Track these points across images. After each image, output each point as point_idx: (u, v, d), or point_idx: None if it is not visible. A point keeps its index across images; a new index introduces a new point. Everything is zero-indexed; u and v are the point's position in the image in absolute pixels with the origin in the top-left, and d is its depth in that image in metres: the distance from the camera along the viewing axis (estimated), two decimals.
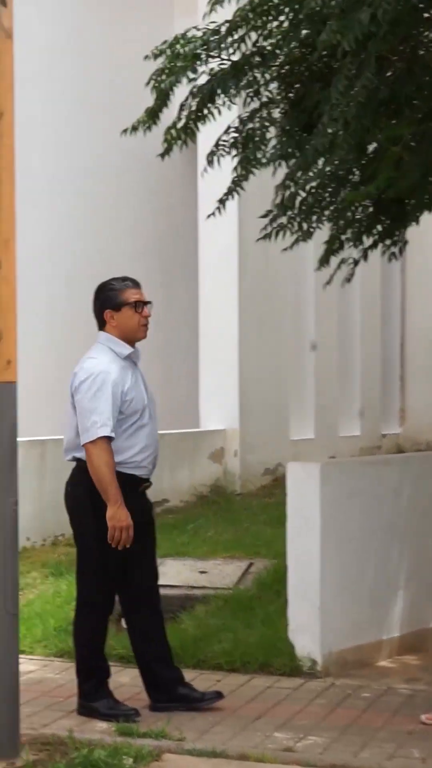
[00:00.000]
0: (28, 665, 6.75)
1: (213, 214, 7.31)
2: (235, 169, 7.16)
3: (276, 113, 6.93)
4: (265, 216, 7.47)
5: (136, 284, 5.86)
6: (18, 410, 5.02)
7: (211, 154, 7.03)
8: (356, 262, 8.18)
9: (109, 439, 5.62)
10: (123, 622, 7.10)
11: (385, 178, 6.07)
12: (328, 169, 6.93)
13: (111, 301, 5.80)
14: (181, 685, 5.95)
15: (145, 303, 5.84)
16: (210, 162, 7.02)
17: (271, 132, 7.02)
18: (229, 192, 7.19)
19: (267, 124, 6.82)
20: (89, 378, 5.68)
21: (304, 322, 13.36)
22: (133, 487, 5.78)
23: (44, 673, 6.75)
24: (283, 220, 7.48)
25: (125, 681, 6.39)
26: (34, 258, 10.88)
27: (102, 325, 5.88)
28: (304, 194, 7.45)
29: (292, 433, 12.80)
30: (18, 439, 5.09)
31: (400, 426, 15.46)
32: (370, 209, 7.39)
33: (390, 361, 15.41)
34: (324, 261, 7.80)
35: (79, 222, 12.04)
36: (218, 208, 7.30)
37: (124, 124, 7.24)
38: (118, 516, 5.61)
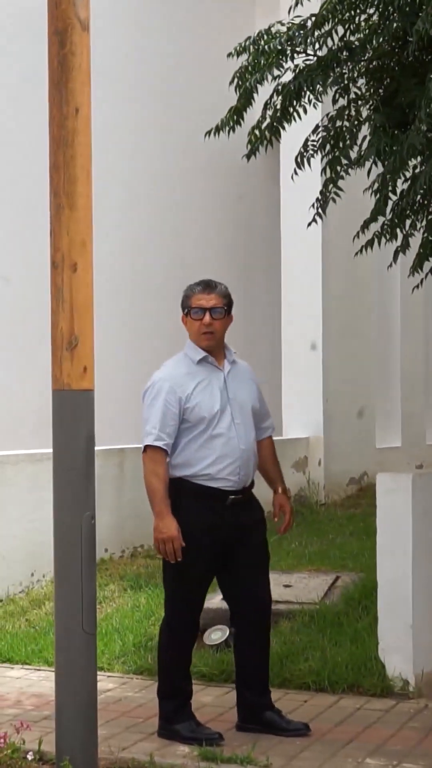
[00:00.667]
0: (106, 683, 6.62)
1: (314, 220, 7.08)
2: (324, 171, 6.91)
3: (365, 111, 6.68)
4: (364, 227, 7.24)
5: (206, 288, 5.62)
6: (95, 418, 4.85)
7: (300, 155, 6.80)
8: None
9: (159, 450, 5.48)
10: (204, 637, 7.07)
11: None
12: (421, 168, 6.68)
13: (182, 305, 5.70)
14: (269, 709, 5.73)
15: (206, 309, 5.61)
16: (299, 164, 6.78)
17: (362, 131, 6.76)
18: (325, 196, 6.94)
19: (357, 121, 6.56)
20: (150, 387, 5.61)
21: (390, 328, 13.23)
22: (216, 500, 5.56)
23: (123, 691, 6.58)
24: (377, 228, 7.28)
25: (207, 701, 6.21)
26: (111, 262, 10.76)
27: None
28: (395, 198, 7.23)
29: (378, 441, 12.69)
30: (96, 447, 4.90)
31: None
32: None
33: None
34: (417, 266, 7.54)
35: (156, 226, 11.95)
36: (318, 214, 7.07)
37: (206, 125, 7.06)
38: (160, 527, 5.45)
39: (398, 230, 7.34)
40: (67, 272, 4.65)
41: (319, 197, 6.99)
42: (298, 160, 6.79)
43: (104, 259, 11.94)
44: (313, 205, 7.04)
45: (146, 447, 5.54)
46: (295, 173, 6.90)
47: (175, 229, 12.17)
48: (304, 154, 6.81)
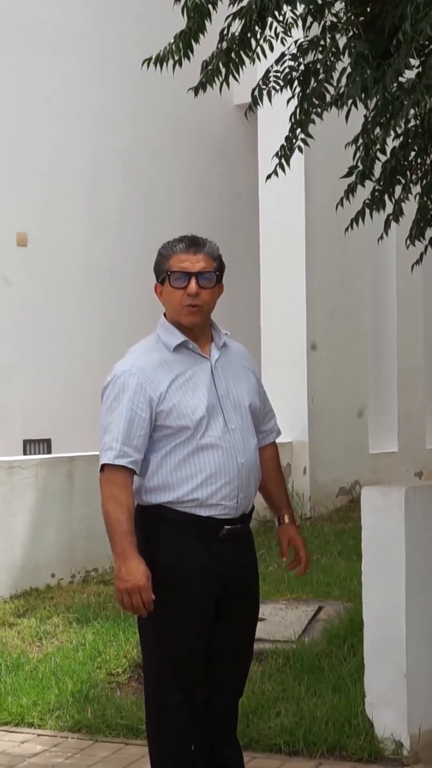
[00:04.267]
0: (33, 744, 5.97)
1: (275, 173, 6.21)
2: (294, 114, 6.02)
3: (343, 41, 5.79)
4: (348, 193, 6.52)
5: (191, 246, 4.46)
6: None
7: (258, 89, 5.89)
8: None
9: (121, 469, 4.37)
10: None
11: None
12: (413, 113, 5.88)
13: (157, 269, 4.52)
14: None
15: (191, 275, 4.45)
16: (256, 99, 5.89)
17: (340, 67, 5.87)
18: (291, 143, 6.04)
19: (334, 52, 5.66)
20: (111, 383, 4.46)
21: (385, 315, 12.91)
22: (208, 533, 4.46)
23: (53, 756, 5.85)
24: (366, 196, 6.61)
25: None
26: (77, 245, 10.34)
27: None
28: (385, 157, 6.52)
29: (371, 445, 12.40)
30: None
31: None
32: None
33: None
34: (418, 236, 6.73)
35: (127, 204, 12.07)
36: (280, 164, 6.23)
37: (183, 96, 6.32)
38: (122, 573, 4.31)
39: (387, 196, 6.57)
40: None
41: (285, 144, 6.09)
42: (255, 94, 5.88)
43: (69, 243, 11.80)
44: (277, 154, 6.14)
45: (104, 466, 4.40)
46: (250, 109, 6.08)
47: (147, 208, 12.29)
48: (263, 87, 5.89)
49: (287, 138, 6.14)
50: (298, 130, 6.03)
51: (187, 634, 4.41)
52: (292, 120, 6.03)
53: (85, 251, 12.36)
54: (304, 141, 6.12)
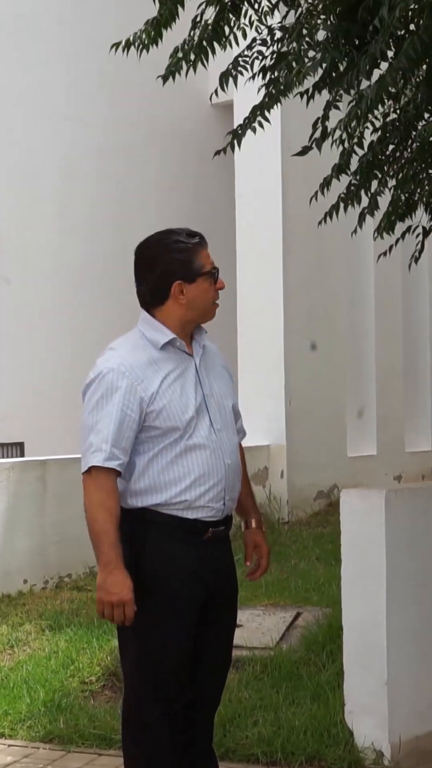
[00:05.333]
0: (4, 755, 5.86)
1: (223, 151, 6.22)
2: (265, 97, 5.99)
3: (319, 34, 5.73)
4: (324, 186, 6.47)
5: (203, 241, 4.42)
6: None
7: (227, 73, 5.82)
8: (427, 232, 7.00)
9: (111, 473, 4.25)
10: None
11: None
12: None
13: (183, 267, 4.34)
14: None
15: (217, 271, 4.43)
16: (222, 84, 5.84)
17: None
18: (250, 122, 5.97)
19: (308, 38, 5.59)
20: (97, 380, 4.31)
21: (363, 316, 12.80)
22: (195, 536, 4.36)
23: (24, 766, 5.75)
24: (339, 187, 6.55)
25: None
26: (49, 244, 10.27)
27: (154, 301, 4.41)
28: (363, 151, 6.48)
29: (350, 448, 12.28)
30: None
31: None
32: None
33: None
34: (388, 228, 6.68)
35: (100, 203, 12.07)
36: (231, 144, 6.16)
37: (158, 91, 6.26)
38: (107, 585, 4.17)
39: (363, 191, 6.54)
40: None
41: (241, 123, 6.10)
42: (222, 80, 5.82)
43: (41, 243, 11.76)
44: (230, 133, 6.10)
45: (92, 468, 4.26)
46: (216, 94, 5.97)
47: (119, 207, 12.22)
48: (232, 72, 5.81)
49: (247, 117, 6.08)
50: (258, 113, 5.96)
51: (173, 643, 4.29)
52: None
53: (56, 251, 12.29)
54: (260, 123, 6.04)
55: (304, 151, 6.25)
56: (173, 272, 4.32)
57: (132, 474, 4.29)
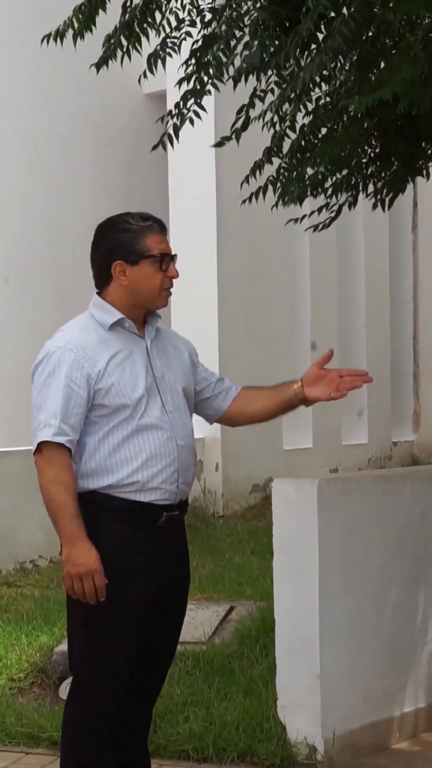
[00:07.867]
0: None
1: (159, 145, 6.12)
2: (193, 82, 5.92)
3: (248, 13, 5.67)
4: (255, 170, 6.39)
5: (162, 228, 4.39)
6: None
7: (154, 55, 5.75)
8: (338, 211, 6.91)
9: (62, 448, 4.21)
10: (61, 690, 6.36)
11: (399, 82, 4.73)
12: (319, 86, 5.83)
13: (124, 247, 4.32)
14: None
15: (172, 257, 4.37)
16: (150, 67, 5.77)
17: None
18: (181, 114, 5.90)
19: (235, 18, 5.53)
20: (45, 359, 4.30)
21: (299, 310, 12.80)
22: (149, 520, 4.30)
23: None
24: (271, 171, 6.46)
25: None
26: None
27: (99, 282, 4.41)
28: (295, 135, 6.40)
29: (285, 441, 12.23)
30: None
31: (413, 432, 14.97)
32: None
33: (402, 357, 14.88)
34: (300, 197, 6.53)
35: (34, 194, 11.86)
36: (168, 136, 6.09)
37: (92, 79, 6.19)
38: (73, 557, 4.14)
39: (296, 173, 6.42)
40: None
41: (173, 110, 6.00)
42: (150, 61, 5.73)
43: None
44: (161, 118, 6.08)
45: (41, 445, 4.22)
46: (144, 76, 5.88)
47: (50, 197, 12.00)
48: (160, 54, 5.74)
49: (177, 105, 6.00)
50: (191, 102, 5.89)
51: (126, 634, 4.24)
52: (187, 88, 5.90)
53: None
54: (196, 113, 5.97)
55: (221, 142, 6.21)
56: (113, 251, 4.31)
57: (82, 455, 4.26)
